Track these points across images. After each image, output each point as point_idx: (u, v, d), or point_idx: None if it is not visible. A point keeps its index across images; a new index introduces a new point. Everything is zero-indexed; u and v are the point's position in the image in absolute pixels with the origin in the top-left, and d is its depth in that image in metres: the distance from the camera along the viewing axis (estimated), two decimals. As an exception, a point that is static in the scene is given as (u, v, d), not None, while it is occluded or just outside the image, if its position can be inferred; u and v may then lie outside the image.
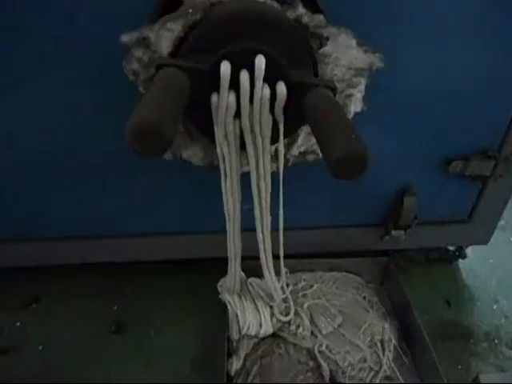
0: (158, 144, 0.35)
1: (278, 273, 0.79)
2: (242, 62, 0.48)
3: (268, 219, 0.61)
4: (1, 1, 0.51)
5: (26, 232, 0.77)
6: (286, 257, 0.68)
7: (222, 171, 0.57)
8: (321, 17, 0.54)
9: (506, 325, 0.81)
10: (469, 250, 0.94)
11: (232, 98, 0.49)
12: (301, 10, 0.54)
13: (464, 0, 0.58)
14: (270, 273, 0.67)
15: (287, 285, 0.80)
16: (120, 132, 0.36)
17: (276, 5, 0.53)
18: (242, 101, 0.49)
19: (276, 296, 0.71)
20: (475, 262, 0.93)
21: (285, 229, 0.63)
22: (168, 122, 0.35)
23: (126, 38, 0.48)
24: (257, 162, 0.54)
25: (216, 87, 0.48)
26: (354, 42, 0.55)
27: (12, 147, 0.65)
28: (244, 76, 0.48)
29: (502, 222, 1.00)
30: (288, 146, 0.61)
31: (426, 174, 0.76)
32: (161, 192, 0.73)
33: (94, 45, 0.54)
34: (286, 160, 0.62)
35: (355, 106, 0.58)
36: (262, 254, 0.64)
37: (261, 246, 0.63)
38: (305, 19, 0.54)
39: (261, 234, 0.62)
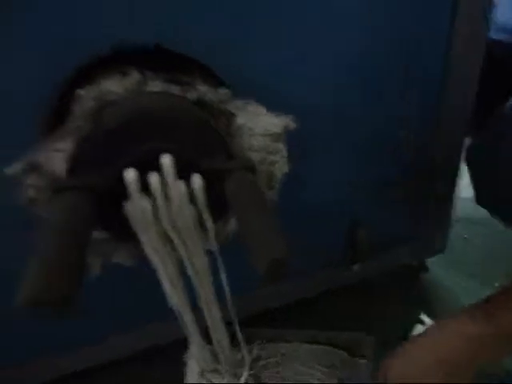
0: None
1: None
2: (148, 164, 0.44)
3: (212, 302, 0.57)
4: None
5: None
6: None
7: (158, 272, 0.52)
8: (225, 90, 0.52)
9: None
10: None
11: (146, 203, 0.45)
12: (201, 88, 0.51)
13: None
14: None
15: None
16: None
17: (173, 88, 0.50)
18: (158, 204, 0.45)
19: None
20: (437, 272, 0.93)
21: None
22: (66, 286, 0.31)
23: (10, 170, 0.42)
24: (189, 258, 0.50)
25: (125, 196, 0.44)
26: (263, 110, 0.53)
27: None
28: (154, 179, 0.44)
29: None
30: (224, 225, 0.57)
31: (372, 203, 0.75)
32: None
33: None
34: (226, 236, 0.59)
35: (281, 170, 0.56)
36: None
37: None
38: (208, 97, 0.51)
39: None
